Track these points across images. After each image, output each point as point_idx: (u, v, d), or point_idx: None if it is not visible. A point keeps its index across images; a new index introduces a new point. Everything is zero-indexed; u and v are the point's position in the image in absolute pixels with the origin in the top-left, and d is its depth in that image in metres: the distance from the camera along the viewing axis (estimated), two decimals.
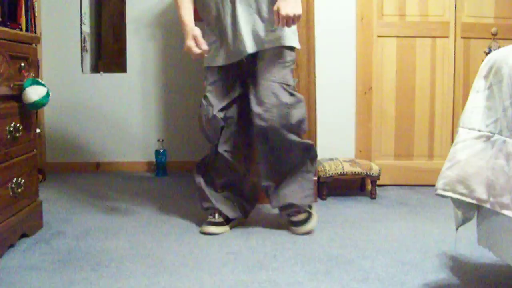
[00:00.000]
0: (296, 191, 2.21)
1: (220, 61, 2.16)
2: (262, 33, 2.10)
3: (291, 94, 2.13)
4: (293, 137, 2.15)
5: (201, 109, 2.23)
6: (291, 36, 2.13)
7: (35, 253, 1.94)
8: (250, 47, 2.09)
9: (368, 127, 3.12)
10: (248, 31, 2.09)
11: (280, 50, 2.12)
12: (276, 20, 1.99)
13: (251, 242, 2.08)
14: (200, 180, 2.29)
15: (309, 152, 2.23)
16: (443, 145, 3.13)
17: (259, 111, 2.09)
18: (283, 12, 1.95)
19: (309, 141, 2.24)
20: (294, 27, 2.12)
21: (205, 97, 2.21)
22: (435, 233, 2.22)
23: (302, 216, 2.20)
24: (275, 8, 1.98)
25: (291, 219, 2.22)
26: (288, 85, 2.13)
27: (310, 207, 2.25)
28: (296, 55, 2.70)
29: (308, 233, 2.19)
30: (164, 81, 3.73)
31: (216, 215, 2.23)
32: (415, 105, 3.13)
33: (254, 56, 2.13)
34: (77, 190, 3.08)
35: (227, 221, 2.24)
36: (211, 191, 2.29)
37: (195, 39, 2.08)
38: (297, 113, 2.12)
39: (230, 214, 2.25)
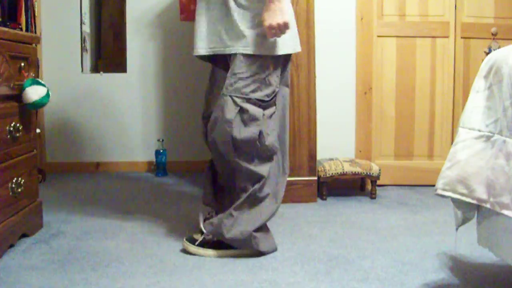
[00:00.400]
0: (218, 219, 1.97)
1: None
2: (225, 36, 1.92)
3: (242, 110, 1.87)
4: (238, 159, 1.92)
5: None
6: (254, 43, 1.89)
7: (35, 253, 1.94)
8: (201, 47, 1.98)
9: (368, 127, 3.12)
10: (205, 32, 1.97)
11: (238, 59, 1.89)
12: (266, 32, 1.88)
13: None
14: (207, 175, 2.25)
15: (254, 184, 1.94)
16: (443, 145, 3.13)
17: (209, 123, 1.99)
18: (267, 23, 1.82)
19: (260, 172, 1.93)
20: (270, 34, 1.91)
21: (204, 103, 2.15)
22: (435, 233, 2.22)
23: (198, 237, 1.99)
24: (262, 19, 1.86)
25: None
26: (246, 99, 1.88)
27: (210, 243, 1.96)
28: (296, 55, 2.73)
29: (187, 251, 1.97)
30: (164, 81, 3.73)
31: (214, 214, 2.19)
32: (415, 105, 3.13)
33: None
34: (77, 190, 3.08)
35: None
36: (214, 188, 2.26)
37: None
38: (245, 132, 1.88)
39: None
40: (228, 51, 1.92)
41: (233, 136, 1.88)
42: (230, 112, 1.88)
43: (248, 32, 1.89)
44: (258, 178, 1.95)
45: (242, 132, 1.89)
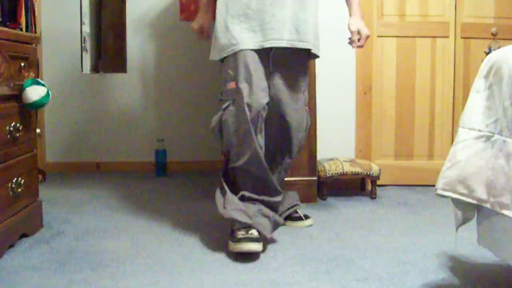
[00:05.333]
0: None
1: None
2: None
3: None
4: None
5: None
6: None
7: (35, 253, 1.94)
8: None
9: (368, 127, 3.12)
10: None
11: None
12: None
13: None
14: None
15: None
16: (443, 145, 3.13)
17: None
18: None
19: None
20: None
21: None
22: (435, 233, 2.22)
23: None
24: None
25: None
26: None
27: None
28: None
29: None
30: (164, 81, 3.73)
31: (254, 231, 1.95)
32: (415, 105, 3.13)
33: None
34: (77, 190, 3.08)
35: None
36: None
37: None
38: None
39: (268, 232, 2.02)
40: None
41: None
42: None
43: None
44: None
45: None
